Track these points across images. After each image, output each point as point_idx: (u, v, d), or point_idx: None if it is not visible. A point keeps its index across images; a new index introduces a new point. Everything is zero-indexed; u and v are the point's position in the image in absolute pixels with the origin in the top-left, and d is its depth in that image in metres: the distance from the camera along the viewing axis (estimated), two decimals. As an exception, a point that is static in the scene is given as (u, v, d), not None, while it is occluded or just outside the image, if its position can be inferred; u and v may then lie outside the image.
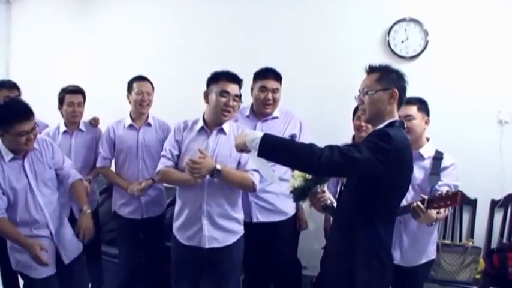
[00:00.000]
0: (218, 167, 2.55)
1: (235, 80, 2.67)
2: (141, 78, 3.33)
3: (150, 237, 3.46)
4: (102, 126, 3.56)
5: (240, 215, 2.79)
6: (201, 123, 2.73)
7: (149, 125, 3.34)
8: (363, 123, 2.96)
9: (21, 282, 3.05)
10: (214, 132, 2.71)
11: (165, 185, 3.36)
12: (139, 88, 3.27)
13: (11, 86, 3.46)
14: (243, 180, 2.63)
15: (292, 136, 3.12)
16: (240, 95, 2.69)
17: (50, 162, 2.75)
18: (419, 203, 2.19)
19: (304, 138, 3.04)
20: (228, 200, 2.68)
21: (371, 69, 2.11)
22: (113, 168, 3.47)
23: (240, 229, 2.78)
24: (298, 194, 2.33)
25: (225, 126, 2.71)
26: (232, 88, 2.64)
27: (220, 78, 2.65)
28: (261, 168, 2.33)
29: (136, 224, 3.35)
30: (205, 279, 2.77)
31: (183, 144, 2.72)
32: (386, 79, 2.04)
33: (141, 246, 3.46)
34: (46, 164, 2.71)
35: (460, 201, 2.12)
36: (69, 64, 5.07)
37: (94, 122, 3.57)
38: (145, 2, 4.77)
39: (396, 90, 2.01)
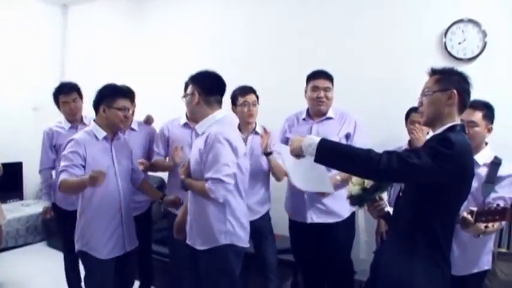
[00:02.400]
0: (187, 180, 2.63)
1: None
2: None
3: None
4: (157, 126, 3.64)
5: (220, 224, 2.57)
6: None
7: None
8: (416, 124, 2.98)
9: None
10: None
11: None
12: None
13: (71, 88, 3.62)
14: (199, 190, 2.54)
15: (347, 135, 3.17)
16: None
17: (129, 155, 3.04)
18: (468, 215, 2.12)
19: (358, 137, 3.13)
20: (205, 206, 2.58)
21: (433, 72, 2.09)
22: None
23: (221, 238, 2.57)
24: (355, 201, 2.31)
25: (197, 127, 2.67)
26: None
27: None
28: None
29: None
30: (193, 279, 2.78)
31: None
32: (446, 80, 2.01)
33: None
34: (126, 156, 3.00)
35: (509, 217, 2.03)
36: (125, 66, 5.21)
37: (148, 120, 3.66)
38: (202, 3, 4.87)
39: (455, 91, 1.97)
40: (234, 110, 3.31)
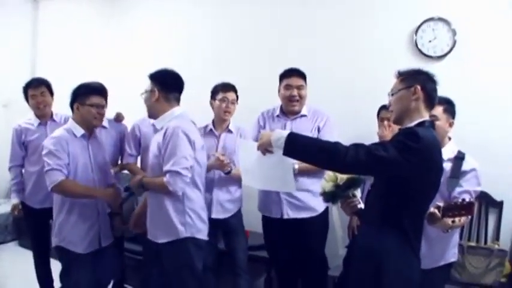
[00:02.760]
0: (143, 179, 2.69)
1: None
2: None
3: None
4: (128, 124, 3.62)
5: (180, 217, 2.63)
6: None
7: None
8: (385, 122, 3.03)
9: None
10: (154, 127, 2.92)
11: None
12: None
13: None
14: (159, 186, 2.58)
15: (318, 128, 3.21)
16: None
17: (105, 154, 3.08)
18: (435, 210, 2.13)
19: (327, 132, 3.17)
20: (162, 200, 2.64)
21: (399, 74, 2.15)
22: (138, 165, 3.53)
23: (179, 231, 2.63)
24: (328, 198, 2.33)
25: (156, 123, 2.77)
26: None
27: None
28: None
29: None
30: (158, 272, 2.83)
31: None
32: (410, 79, 2.08)
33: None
34: (102, 154, 3.04)
35: (473, 212, 2.08)
36: (96, 62, 5.15)
37: (118, 118, 3.65)
38: (174, 1, 4.84)
39: (418, 87, 2.03)
40: (212, 104, 3.33)
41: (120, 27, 5.20)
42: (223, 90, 3.31)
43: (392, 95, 2.12)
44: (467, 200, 2.11)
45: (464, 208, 2.07)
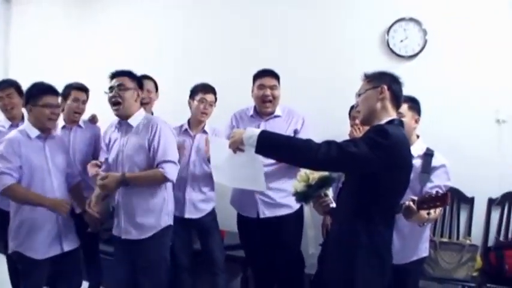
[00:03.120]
0: (126, 174, 2.74)
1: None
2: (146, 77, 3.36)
3: None
4: (102, 125, 3.55)
5: (164, 206, 2.88)
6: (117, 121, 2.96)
7: None
8: (357, 121, 3.02)
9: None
10: (124, 127, 2.89)
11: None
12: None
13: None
14: (152, 178, 2.77)
15: (295, 131, 3.19)
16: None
17: (65, 154, 2.99)
18: (411, 203, 2.15)
19: (304, 134, 3.12)
20: (141, 196, 2.81)
21: (365, 76, 2.19)
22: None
23: (167, 221, 2.88)
24: (301, 198, 2.35)
25: (130, 120, 2.85)
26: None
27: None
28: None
29: None
30: (132, 269, 2.90)
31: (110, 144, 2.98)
32: (376, 79, 2.12)
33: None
34: (61, 154, 2.94)
35: (448, 202, 2.09)
36: (69, 64, 5.08)
37: (93, 119, 3.61)
38: (147, 2, 4.80)
39: (385, 86, 2.07)
40: (190, 104, 3.32)
41: (92, 28, 5.11)
42: (202, 91, 3.29)
43: (359, 95, 2.16)
44: (440, 192, 2.14)
45: (439, 199, 2.09)
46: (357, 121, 3.01)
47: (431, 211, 2.17)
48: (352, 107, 3.23)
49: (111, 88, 2.83)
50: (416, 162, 2.54)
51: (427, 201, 2.12)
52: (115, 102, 2.80)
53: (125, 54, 4.77)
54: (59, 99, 2.93)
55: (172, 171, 2.75)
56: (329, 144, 1.90)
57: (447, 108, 3.58)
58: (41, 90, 2.80)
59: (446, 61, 3.66)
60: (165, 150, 2.75)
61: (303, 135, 3.11)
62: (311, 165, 2.04)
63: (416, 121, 2.66)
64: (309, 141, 1.95)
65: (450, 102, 3.61)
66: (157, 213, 2.82)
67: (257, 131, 1.99)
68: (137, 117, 2.85)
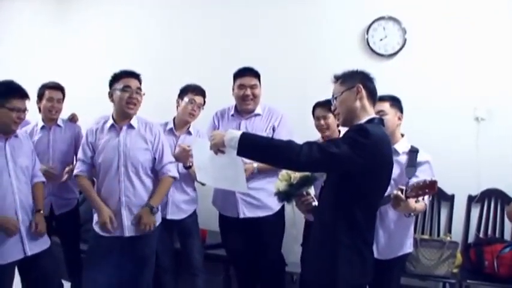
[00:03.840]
0: (152, 203, 2.92)
1: (134, 75, 2.93)
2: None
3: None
4: (82, 124, 3.54)
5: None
6: (110, 121, 2.94)
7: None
8: (322, 122, 3.08)
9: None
10: (124, 128, 2.91)
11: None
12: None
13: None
14: (168, 188, 3.05)
15: (273, 128, 3.20)
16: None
17: (29, 153, 2.89)
18: (398, 192, 2.18)
19: (281, 130, 3.17)
20: (145, 190, 2.95)
21: (336, 78, 2.18)
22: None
23: (159, 219, 3.03)
24: (283, 197, 2.34)
25: (133, 122, 2.94)
26: (133, 83, 2.88)
27: (121, 76, 2.90)
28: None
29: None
30: (126, 264, 2.93)
31: (97, 145, 2.95)
32: (349, 80, 2.11)
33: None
34: (25, 154, 2.84)
35: (436, 188, 2.12)
36: (48, 63, 5.00)
37: (73, 118, 3.55)
38: (127, 2, 4.74)
39: (360, 85, 2.07)
40: (178, 103, 3.28)
41: (70, 28, 5.02)
42: (192, 91, 3.25)
43: (335, 98, 2.14)
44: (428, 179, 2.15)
45: (428, 186, 2.10)
46: (322, 121, 3.07)
47: (420, 199, 2.22)
48: (315, 106, 3.18)
49: (128, 88, 2.85)
50: (402, 158, 2.62)
51: (416, 189, 2.14)
52: (133, 103, 2.86)
53: (105, 54, 4.73)
54: (27, 102, 2.75)
55: (175, 170, 3.03)
56: (310, 145, 1.91)
57: (426, 106, 3.62)
58: (10, 91, 2.67)
59: (426, 59, 3.69)
60: (167, 153, 3.00)
61: (280, 132, 3.16)
62: (293, 166, 2.04)
63: (399, 118, 2.69)
64: (290, 143, 1.95)
65: (429, 100, 3.65)
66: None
67: (238, 133, 1.98)
68: (134, 119, 2.95)
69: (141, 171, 2.91)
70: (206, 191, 3.39)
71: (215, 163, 2.36)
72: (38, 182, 2.93)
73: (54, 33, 5.11)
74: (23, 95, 2.71)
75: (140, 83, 2.94)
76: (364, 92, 2.08)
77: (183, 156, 3.10)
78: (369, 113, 2.09)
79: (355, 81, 2.09)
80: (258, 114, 3.26)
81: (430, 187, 2.10)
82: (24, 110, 2.71)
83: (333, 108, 2.20)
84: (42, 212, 2.87)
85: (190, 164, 3.12)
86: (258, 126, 3.18)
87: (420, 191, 2.13)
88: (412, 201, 2.25)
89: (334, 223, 2.04)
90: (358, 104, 2.07)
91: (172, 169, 3.00)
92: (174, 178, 3.02)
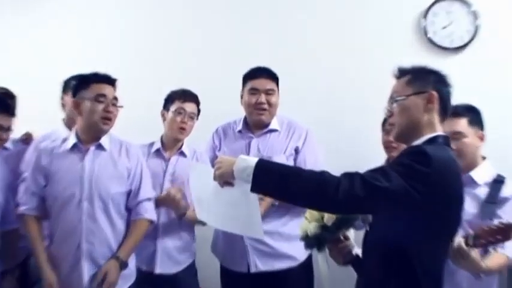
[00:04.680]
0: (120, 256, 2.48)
1: (110, 80, 2.52)
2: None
3: None
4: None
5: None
6: (72, 140, 2.52)
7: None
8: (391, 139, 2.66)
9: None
10: (92, 149, 2.50)
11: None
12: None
13: None
14: (142, 236, 2.55)
15: (296, 150, 2.83)
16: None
17: None
18: (461, 241, 1.85)
19: (307, 153, 2.82)
20: (114, 235, 2.51)
21: (401, 72, 1.86)
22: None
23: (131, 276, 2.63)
24: (312, 243, 2.01)
25: (104, 141, 2.52)
26: (109, 90, 2.49)
27: (91, 80, 2.50)
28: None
29: None
30: None
31: (52, 171, 2.51)
32: (420, 80, 1.80)
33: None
34: None
35: (510, 236, 1.78)
36: (12, 62, 4.54)
37: (27, 139, 3.07)
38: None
39: (435, 93, 1.75)
40: (163, 116, 2.84)
41: (28, 24, 4.57)
42: (180, 99, 2.78)
43: (395, 101, 1.81)
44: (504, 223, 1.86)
45: (501, 232, 1.80)
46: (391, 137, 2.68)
47: (491, 249, 1.97)
48: (385, 120, 2.78)
49: (102, 97, 2.43)
50: (481, 192, 2.27)
51: (486, 235, 1.84)
52: (109, 118, 2.45)
53: (68, 54, 4.23)
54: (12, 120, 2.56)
55: (153, 211, 2.59)
56: (351, 178, 1.60)
57: (507, 113, 3.14)
58: None
59: (505, 53, 3.20)
60: (146, 185, 2.56)
61: (305, 155, 2.81)
62: (328, 207, 1.74)
63: (482, 138, 2.34)
64: (323, 174, 1.63)
65: (510, 105, 3.20)
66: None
67: (252, 162, 1.65)
68: (105, 138, 2.53)
69: (111, 208, 2.46)
70: (204, 235, 2.93)
71: (220, 198, 1.98)
72: None
73: (13, 25, 4.71)
74: (6, 111, 2.54)
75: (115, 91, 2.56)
76: (436, 103, 1.76)
77: (172, 206, 2.71)
78: (435, 129, 1.77)
79: (428, 84, 1.77)
80: (275, 130, 2.85)
81: (505, 232, 1.79)
82: (8, 129, 2.54)
83: (387, 114, 1.90)
84: None
85: (184, 211, 2.72)
86: (275, 147, 2.79)
87: (491, 238, 1.82)
88: (477, 256, 1.90)
89: (384, 280, 1.74)
90: (426, 117, 1.75)
91: (150, 209, 2.56)
92: (151, 222, 2.57)
